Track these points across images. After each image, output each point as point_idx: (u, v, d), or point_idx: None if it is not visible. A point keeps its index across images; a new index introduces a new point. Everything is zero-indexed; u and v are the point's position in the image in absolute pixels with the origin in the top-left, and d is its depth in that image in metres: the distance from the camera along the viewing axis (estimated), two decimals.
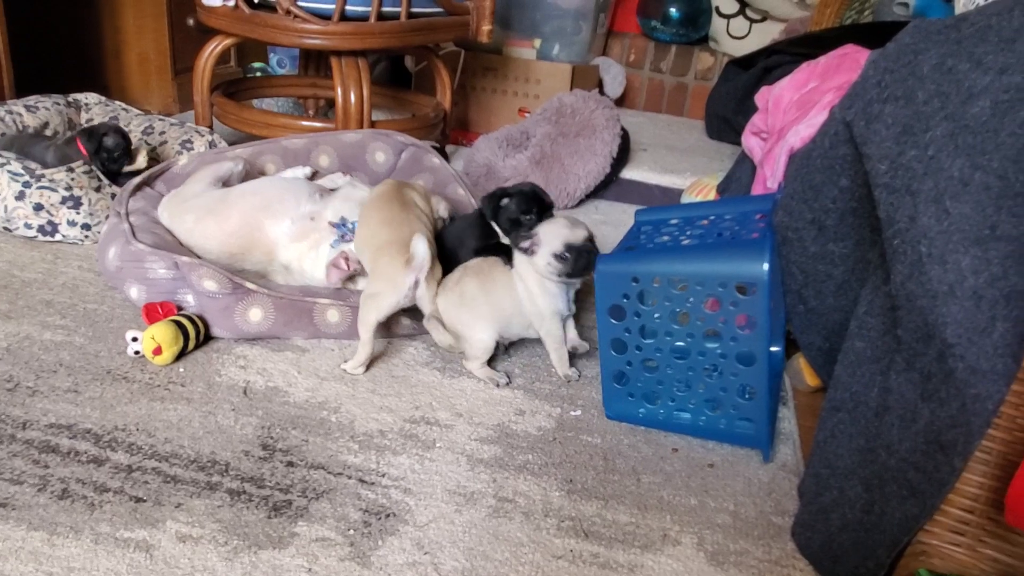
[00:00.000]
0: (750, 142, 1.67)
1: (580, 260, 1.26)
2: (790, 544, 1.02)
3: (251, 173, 1.69)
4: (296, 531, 0.96)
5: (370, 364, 1.32)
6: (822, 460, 0.98)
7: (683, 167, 2.44)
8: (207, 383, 1.23)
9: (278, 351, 1.34)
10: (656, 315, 1.15)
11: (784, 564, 0.99)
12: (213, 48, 2.10)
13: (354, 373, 1.30)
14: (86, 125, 1.75)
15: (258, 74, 2.92)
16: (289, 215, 1.47)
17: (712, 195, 2.01)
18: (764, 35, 3.06)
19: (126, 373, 1.23)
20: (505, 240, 1.37)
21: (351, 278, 1.45)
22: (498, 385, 1.31)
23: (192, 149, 1.91)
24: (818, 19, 2.53)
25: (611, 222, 2.13)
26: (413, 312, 1.38)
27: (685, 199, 2.13)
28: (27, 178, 1.58)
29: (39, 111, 1.88)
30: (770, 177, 1.45)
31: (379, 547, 0.95)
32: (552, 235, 1.27)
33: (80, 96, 2.03)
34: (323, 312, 1.38)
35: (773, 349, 1.26)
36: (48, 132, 1.87)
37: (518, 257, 1.32)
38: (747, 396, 1.15)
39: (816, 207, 1.09)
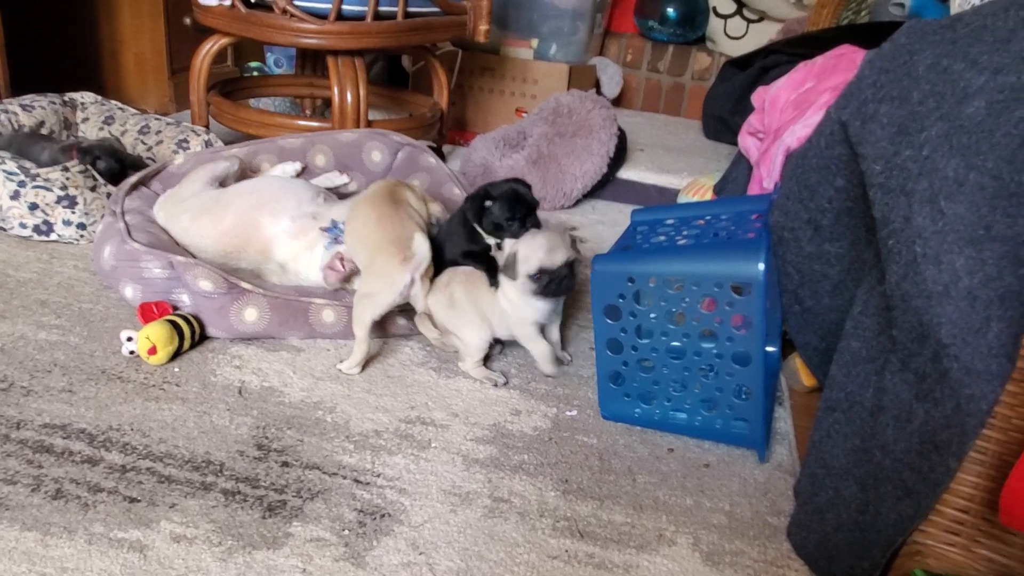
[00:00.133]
0: (746, 142, 1.67)
1: (552, 285, 1.24)
2: (786, 544, 1.02)
3: (247, 172, 1.69)
4: (291, 531, 0.96)
5: (366, 364, 1.31)
6: (818, 460, 0.98)
7: (680, 167, 2.44)
8: (202, 383, 1.23)
9: (273, 351, 1.34)
10: (652, 315, 1.15)
11: (780, 564, 0.99)
12: (209, 47, 2.09)
13: (350, 373, 1.29)
14: (85, 143, 1.73)
15: (255, 73, 2.92)
16: (289, 213, 1.47)
17: (709, 195, 2.01)
18: (761, 35, 3.06)
19: (121, 373, 1.23)
20: (490, 240, 1.37)
21: (347, 279, 1.45)
22: (496, 385, 1.31)
23: (188, 148, 1.91)
24: (815, 19, 2.53)
25: (608, 222, 2.13)
26: (409, 312, 1.38)
27: (681, 199, 2.13)
28: (22, 177, 1.58)
29: (35, 110, 1.87)
30: (766, 177, 1.45)
31: (374, 547, 0.95)
32: (529, 255, 1.24)
33: (76, 95, 2.02)
34: (319, 312, 1.38)
35: (769, 349, 1.26)
36: (44, 131, 1.87)
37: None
38: (743, 396, 1.15)
39: (812, 207, 1.08)
